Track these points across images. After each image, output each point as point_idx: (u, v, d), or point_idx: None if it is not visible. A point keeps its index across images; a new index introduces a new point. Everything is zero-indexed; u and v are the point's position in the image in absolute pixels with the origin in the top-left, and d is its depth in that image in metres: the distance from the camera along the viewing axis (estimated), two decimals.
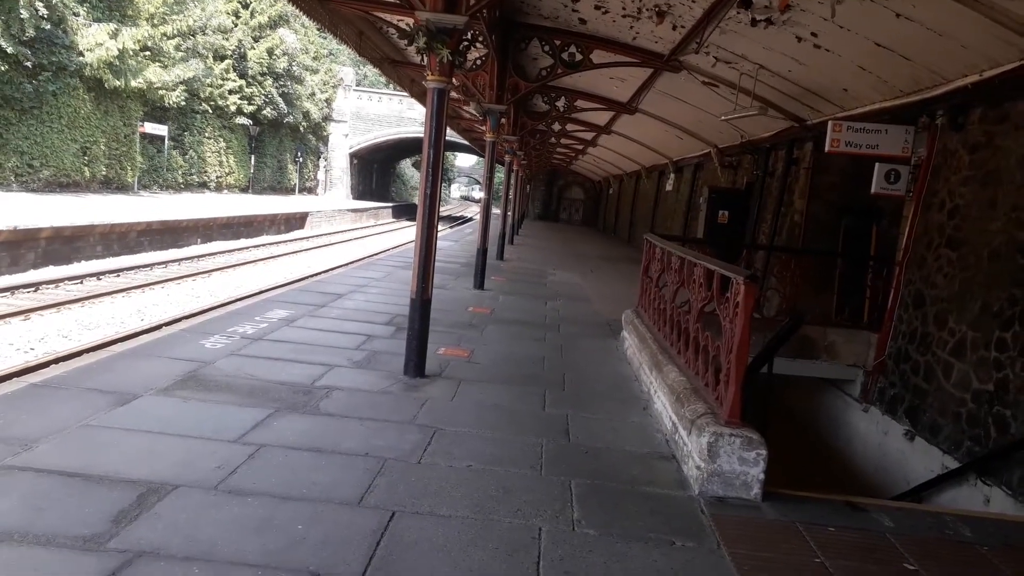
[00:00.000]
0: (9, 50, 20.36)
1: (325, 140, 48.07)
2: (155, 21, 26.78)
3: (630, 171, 29.32)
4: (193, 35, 31.28)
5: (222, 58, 34.96)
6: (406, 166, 70.96)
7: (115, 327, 11.28)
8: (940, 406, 7.34)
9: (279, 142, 42.21)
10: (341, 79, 48.15)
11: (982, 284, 6.98)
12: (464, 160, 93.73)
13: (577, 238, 29.54)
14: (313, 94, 44.57)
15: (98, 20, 24.06)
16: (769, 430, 4.82)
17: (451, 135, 29.28)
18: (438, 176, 5.92)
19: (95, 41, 23.20)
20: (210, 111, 34.12)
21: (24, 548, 2.91)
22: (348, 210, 38.60)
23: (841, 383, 9.49)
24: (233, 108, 35.74)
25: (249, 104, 36.79)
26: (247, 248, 22.88)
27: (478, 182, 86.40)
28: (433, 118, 5.84)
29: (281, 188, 43.17)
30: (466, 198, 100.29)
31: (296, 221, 31.39)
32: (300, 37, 42.71)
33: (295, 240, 27.17)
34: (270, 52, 38.20)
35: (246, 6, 37.51)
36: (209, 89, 33.31)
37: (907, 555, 3.61)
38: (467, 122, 24.40)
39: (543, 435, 4.85)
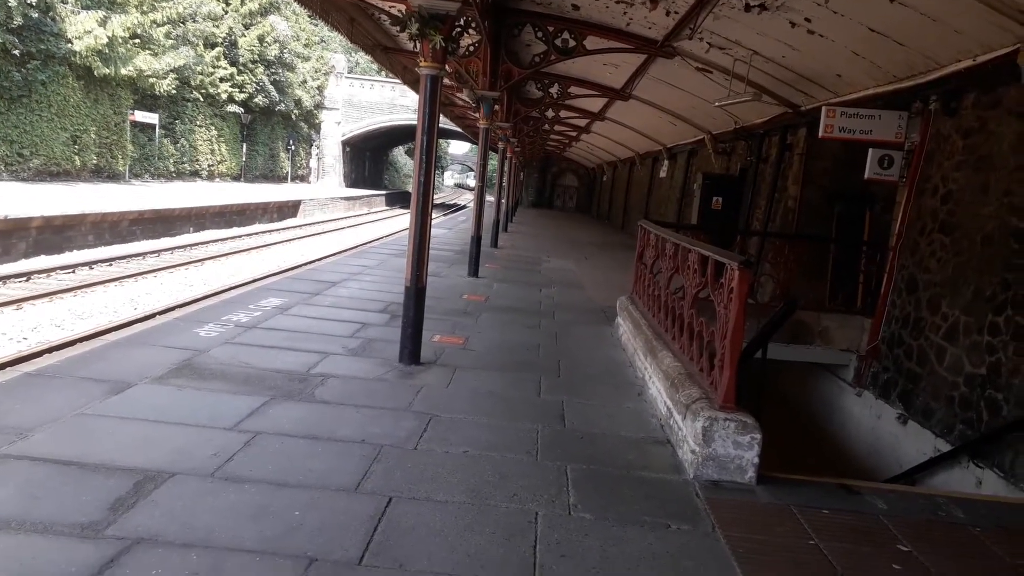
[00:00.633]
0: None
1: (317, 128, 47.80)
2: (144, 8, 26.56)
3: (624, 158, 29.27)
4: (183, 22, 31.01)
5: (213, 45, 34.64)
6: (399, 154, 70.66)
7: (109, 316, 11.24)
8: (933, 390, 7.39)
9: (271, 130, 41.93)
10: (333, 66, 47.83)
11: (975, 269, 7.01)
12: (457, 147, 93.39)
13: (571, 225, 29.50)
14: (305, 81, 44.30)
15: (87, 7, 23.80)
16: (763, 415, 4.85)
17: (444, 122, 29.18)
18: (431, 163, 5.92)
19: (84, 29, 22.98)
20: (201, 99, 33.85)
21: (22, 536, 2.92)
22: (341, 198, 38.43)
23: (835, 368, 9.55)
24: (224, 96, 35.50)
25: (240, 92, 36.53)
26: (240, 236, 22.80)
27: (471, 169, 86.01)
28: (426, 105, 5.83)
29: (273, 176, 42.94)
30: (460, 186, 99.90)
31: (289, 209, 31.28)
32: (291, 24, 42.39)
33: (288, 228, 27.08)
34: (261, 39, 37.91)
35: None
36: (200, 77, 33.01)
37: (901, 537, 3.64)
38: (460, 109, 24.27)
39: (538, 421, 4.87)
